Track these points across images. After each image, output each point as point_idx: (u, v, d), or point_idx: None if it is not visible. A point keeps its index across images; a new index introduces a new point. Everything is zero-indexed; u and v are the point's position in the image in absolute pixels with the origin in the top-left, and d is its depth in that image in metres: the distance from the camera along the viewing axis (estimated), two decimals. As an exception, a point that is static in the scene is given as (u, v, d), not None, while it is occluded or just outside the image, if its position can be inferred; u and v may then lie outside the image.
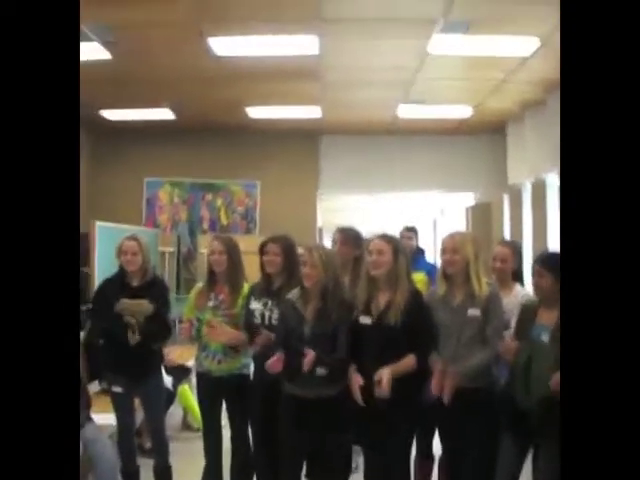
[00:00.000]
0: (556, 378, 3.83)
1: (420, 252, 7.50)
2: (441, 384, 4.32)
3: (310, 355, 4.33)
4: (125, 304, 5.20)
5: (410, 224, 8.29)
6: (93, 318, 5.74)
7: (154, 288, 5.40)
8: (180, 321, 5.81)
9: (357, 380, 4.36)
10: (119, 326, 5.18)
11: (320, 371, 4.38)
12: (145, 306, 5.22)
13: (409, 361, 4.37)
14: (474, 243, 4.53)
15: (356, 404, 4.42)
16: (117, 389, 5.33)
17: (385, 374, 4.22)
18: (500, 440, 4.40)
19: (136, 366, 5.25)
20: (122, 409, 5.39)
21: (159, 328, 5.30)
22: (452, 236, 4.60)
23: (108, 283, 5.49)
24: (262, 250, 5.15)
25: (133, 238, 5.39)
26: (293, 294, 4.69)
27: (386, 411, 4.31)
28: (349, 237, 5.37)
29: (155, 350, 5.43)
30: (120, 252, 5.34)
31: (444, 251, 4.55)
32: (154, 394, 5.51)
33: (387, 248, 4.47)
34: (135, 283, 5.34)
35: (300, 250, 4.83)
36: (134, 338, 5.13)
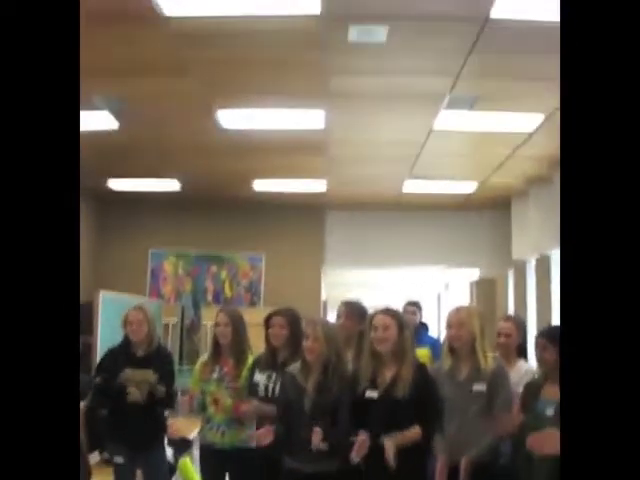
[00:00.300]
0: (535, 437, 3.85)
1: (423, 327, 7.51)
2: (444, 476, 4.29)
3: (317, 433, 4.29)
4: (129, 374, 5.19)
5: (413, 299, 8.30)
6: (96, 387, 5.70)
7: (159, 358, 5.40)
8: (183, 393, 5.76)
9: (362, 440, 4.25)
10: (122, 396, 5.16)
11: (321, 446, 4.33)
12: (150, 376, 5.21)
13: (415, 433, 4.32)
14: (480, 317, 4.53)
15: (356, 477, 4.37)
16: (119, 460, 5.29)
17: (389, 444, 4.18)
18: None
19: (139, 436, 5.22)
20: (124, 479, 5.35)
21: (164, 402, 5.29)
22: (458, 310, 4.60)
23: (112, 353, 5.49)
24: (267, 322, 5.14)
25: (139, 308, 5.42)
26: (294, 367, 4.67)
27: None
28: (354, 311, 5.36)
29: (158, 421, 5.39)
30: (126, 322, 5.35)
31: (450, 325, 4.54)
32: (157, 465, 5.47)
33: (392, 323, 4.45)
34: (140, 353, 5.34)
35: (303, 323, 4.83)
36: (136, 397, 5.12)
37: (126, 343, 5.39)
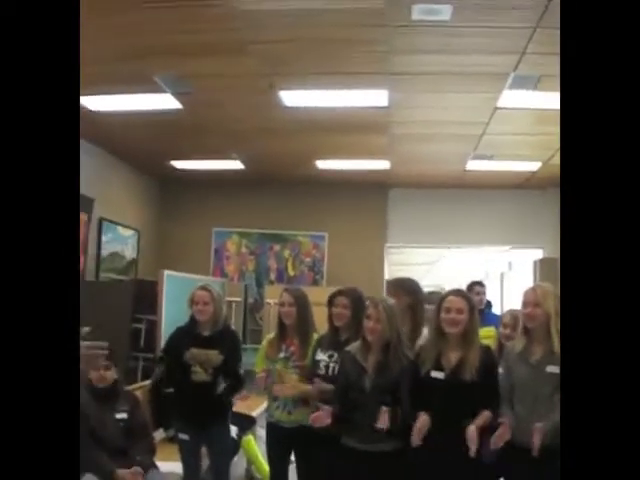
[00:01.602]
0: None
1: (488, 305, 7.44)
2: (504, 438, 4.23)
3: (385, 412, 4.29)
4: (194, 353, 5.24)
5: (478, 279, 8.26)
6: (163, 365, 5.78)
7: (225, 338, 5.43)
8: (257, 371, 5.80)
9: (423, 420, 4.26)
10: (188, 375, 5.22)
11: (380, 426, 4.33)
12: (214, 356, 5.26)
13: (487, 416, 4.29)
14: (556, 297, 4.39)
15: (416, 459, 4.37)
16: (184, 437, 5.35)
17: (474, 431, 4.15)
18: None
19: (204, 414, 5.27)
20: (188, 456, 5.41)
21: (230, 381, 5.34)
22: (534, 289, 4.50)
23: (180, 332, 5.54)
24: (331, 302, 5.14)
25: (205, 288, 5.44)
26: (353, 347, 4.67)
27: (452, 466, 4.25)
28: (398, 287, 5.26)
29: (222, 399, 5.44)
30: (192, 302, 5.38)
31: (525, 304, 4.45)
32: (221, 442, 5.52)
33: (464, 306, 4.43)
34: (206, 333, 5.38)
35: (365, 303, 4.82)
36: (201, 376, 5.19)
37: (192, 323, 5.43)
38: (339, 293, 5.15)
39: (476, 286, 7.86)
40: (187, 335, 5.43)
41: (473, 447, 4.13)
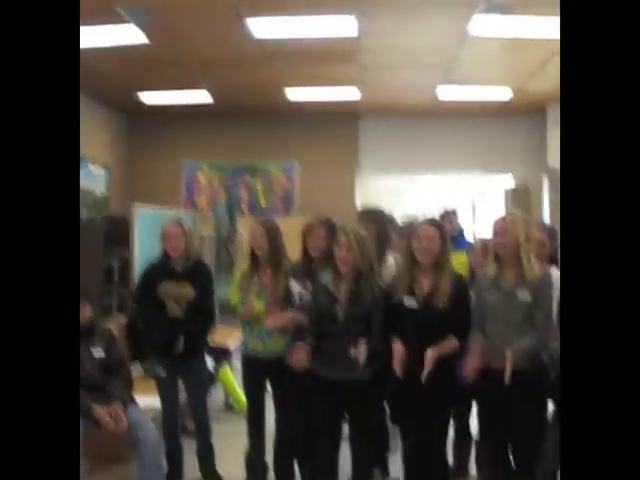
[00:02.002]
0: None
1: (461, 233, 7.47)
2: (475, 365, 4.29)
3: (362, 347, 4.33)
4: (168, 288, 5.23)
5: (450, 206, 8.27)
6: (137, 302, 5.77)
7: (197, 272, 5.42)
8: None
9: (399, 350, 4.35)
10: (161, 313, 5.22)
11: (357, 357, 4.37)
12: (188, 290, 5.25)
13: (452, 342, 4.38)
14: (525, 224, 4.44)
15: (392, 385, 4.44)
16: (160, 371, 5.37)
17: (431, 356, 4.25)
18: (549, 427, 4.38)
19: (182, 348, 5.29)
20: (165, 391, 5.44)
21: (203, 318, 5.35)
22: (503, 218, 4.53)
23: (152, 268, 5.52)
24: (305, 232, 5.13)
25: (177, 223, 5.40)
26: (325, 277, 4.67)
27: (425, 391, 4.32)
28: (363, 217, 5.32)
29: (196, 333, 5.45)
30: (164, 237, 5.35)
31: (495, 233, 4.48)
32: (197, 376, 5.55)
33: (435, 234, 4.47)
34: (178, 268, 5.36)
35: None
36: (175, 311, 5.19)
37: (164, 258, 5.42)
38: (313, 223, 5.14)
39: (449, 214, 7.89)
40: (159, 271, 5.41)
41: (426, 369, 4.24)
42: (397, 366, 4.31)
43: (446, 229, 4.67)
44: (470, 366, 4.34)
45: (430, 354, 4.26)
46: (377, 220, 5.16)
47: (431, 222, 4.57)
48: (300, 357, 4.52)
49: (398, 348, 4.35)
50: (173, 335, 5.27)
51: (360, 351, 4.32)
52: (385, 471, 5.32)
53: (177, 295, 5.24)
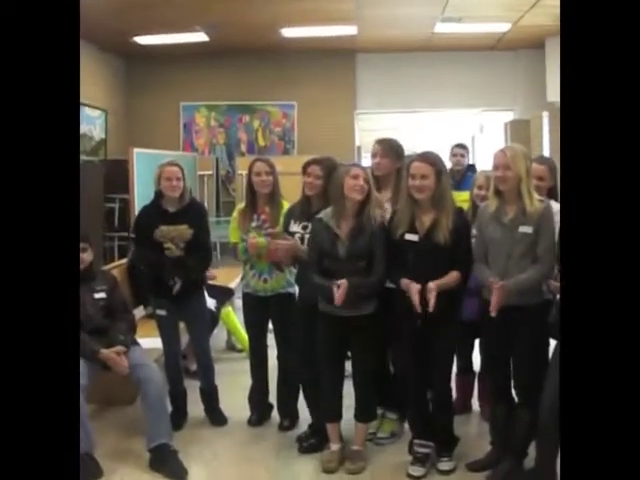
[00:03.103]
0: None
1: (471, 168, 7.41)
2: (501, 301, 4.27)
3: (342, 287, 4.36)
4: (164, 231, 5.22)
5: (459, 141, 8.20)
6: (135, 245, 5.78)
7: (192, 212, 5.39)
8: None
9: (414, 287, 4.33)
10: (160, 253, 5.23)
11: (336, 302, 4.39)
12: (184, 231, 5.24)
13: (454, 277, 4.38)
14: (526, 158, 4.37)
15: (395, 320, 4.49)
16: (161, 312, 5.40)
17: (433, 289, 4.25)
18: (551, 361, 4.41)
19: (182, 287, 5.31)
20: (167, 332, 5.47)
21: (200, 255, 5.35)
22: (504, 151, 4.46)
23: (146, 210, 5.49)
24: (304, 171, 5.09)
25: (175, 164, 5.36)
26: (325, 214, 4.64)
27: (429, 326, 4.37)
28: (390, 148, 5.12)
29: (201, 271, 5.48)
30: (161, 178, 5.31)
31: (496, 167, 4.42)
32: (198, 316, 5.57)
33: (430, 170, 4.39)
34: (172, 209, 5.33)
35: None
36: (175, 252, 5.20)
37: (157, 200, 5.38)
38: (312, 162, 5.08)
39: (455, 148, 7.84)
40: (154, 213, 5.37)
41: (431, 301, 4.25)
42: (415, 302, 4.31)
43: (443, 164, 4.57)
44: (497, 304, 4.31)
45: (432, 286, 4.27)
46: (400, 155, 5.08)
47: (423, 158, 4.46)
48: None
49: (411, 285, 4.34)
50: (172, 274, 5.29)
51: (340, 292, 4.35)
52: (388, 408, 5.36)
53: (174, 236, 5.23)
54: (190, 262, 5.28)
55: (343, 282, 4.37)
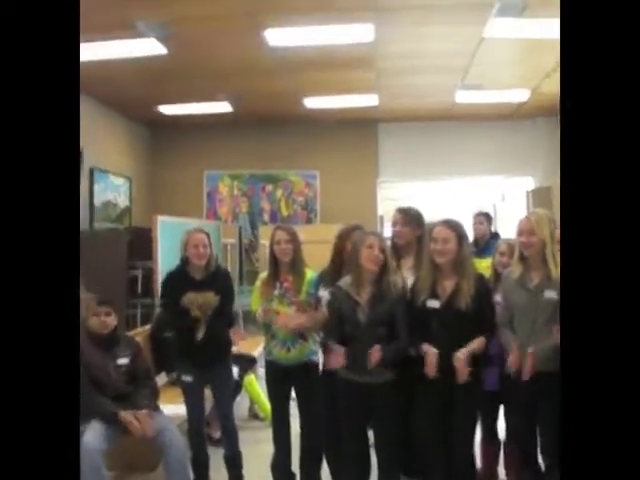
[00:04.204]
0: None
1: (494, 236, 7.44)
2: (519, 360, 4.30)
3: (376, 353, 4.34)
4: (191, 298, 5.24)
5: (482, 209, 8.27)
6: (162, 310, 5.80)
7: (218, 280, 5.43)
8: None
9: (431, 352, 4.33)
10: (187, 319, 5.24)
11: (371, 364, 4.38)
12: (211, 298, 5.26)
13: (480, 343, 4.37)
14: (550, 223, 4.41)
15: (417, 386, 4.46)
16: (187, 378, 5.39)
17: (462, 356, 4.25)
18: None
19: (205, 355, 5.31)
20: (192, 398, 5.45)
21: (225, 321, 5.38)
22: (528, 217, 4.50)
23: (173, 277, 5.52)
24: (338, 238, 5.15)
25: (202, 231, 5.42)
26: (344, 281, 4.66)
27: (451, 393, 4.34)
28: (410, 217, 5.20)
29: (222, 340, 5.48)
30: (188, 245, 5.35)
31: (520, 233, 4.46)
32: (223, 382, 5.56)
33: (451, 235, 4.44)
34: (199, 276, 5.37)
35: None
36: (200, 333, 5.20)
37: (184, 266, 5.42)
38: (347, 229, 5.15)
39: (478, 216, 7.90)
40: (181, 280, 5.41)
41: (462, 373, 4.24)
42: (429, 368, 4.31)
43: (464, 230, 4.62)
44: (530, 371, 4.29)
45: (460, 356, 4.26)
46: (421, 223, 5.12)
47: (446, 223, 4.53)
48: (337, 360, 4.51)
49: (429, 350, 4.34)
50: (199, 342, 5.30)
51: (374, 356, 4.34)
52: (412, 477, 5.29)
53: (202, 303, 5.25)
54: (218, 330, 5.31)
55: (377, 347, 4.34)
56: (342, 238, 5.13)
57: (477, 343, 4.36)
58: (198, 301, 5.24)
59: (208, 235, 5.42)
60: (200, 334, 5.20)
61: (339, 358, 4.47)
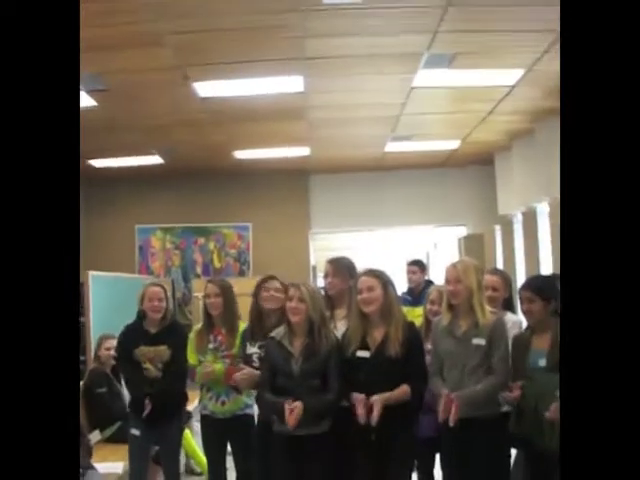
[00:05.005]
0: (554, 407, 3.88)
1: (428, 284, 7.49)
2: (448, 409, 4.27)
3: (296, 409, 4.31)
4: (143, 351, 5.23)
5: (415, 258, 8.34)
6: (117, 361, 5.76)
7: (173, 333, 5.45)
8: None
9: (358, 398, 4.29)
10: (138, 372, 5.21)
11: (289, 425, 4.35)
12: (163, 352, 5.26)
13: (402, 391, 4.36)
14: (477, 271, 4.50)
15: (353, 437, 4.40)
16: (135, 432, 5.33)
17: (377, 401, 4.22)
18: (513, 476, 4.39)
19: (157, 410, 5.25)
20: (138, 452, 5.40)
21: (177, 375, 5.33)
22: (455, 266, 4.56)
23: (128, 330, 5.53)
24: (258, 289, 5.14)
25: (158, 284, 5.47)
26: (278, 332, 4.66)
27: (383, 442, 4.31)
28: (341, 267, 5.17)
29: (174, 395, 5.44)
30: (144, 298, 5.36)
31: (448, 281, 4.52)
32: (173, 438, 5.52)
33: (376, 283, 4.48)
34: (154, 330, 5.38)
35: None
36: (152, 373, 5.17)
37: (140, 320, 5.43)
38: (264, 280, 5.16)
39: (411, 265, 7.96)
40: (135, 333, 5.43)
41: (374, 414, 4.21)
42: (359, 414, 4.27)
43: (388, 278, 4.61)
44: (454, 417, 4.28)
45: (376, 398, 4.24)
46: (353, 273, 5.11)
47: (368, 272, 4.58)
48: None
49: (358, 397, 4.31)
50: (147, 394, 5.26)
51: (294, 414, 4.30)
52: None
53: (153, 357, 5.24)
54: (169, 386, 5.26)
55: (297, 404, 4.33)
56: (255, 293, 5.15)
57: (400, 391, 4.36)
58: (149, 354, 5.22)
59: (164, 289, 5.43)
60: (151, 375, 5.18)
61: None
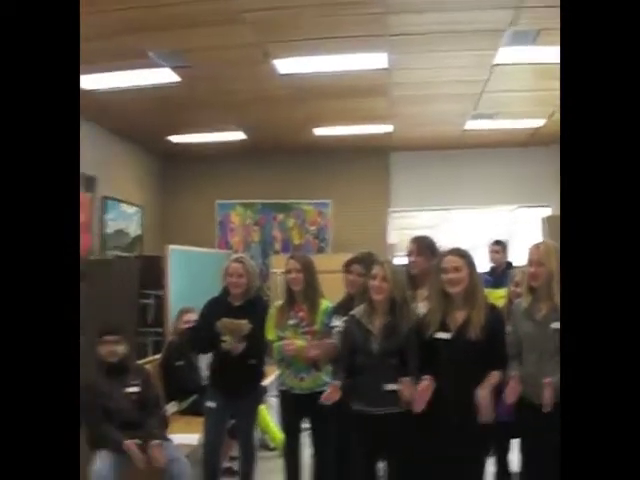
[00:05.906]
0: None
1: (509, 266, 7.39)
2: (517, 392, 4.21)
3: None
4: (224, 322, 5.26)
5: (498, 238, 8.23)
6: (195, 332, 5.79)
7: (255, 308, 5.47)
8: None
9: (425, 387, 4.25)
10: (218, 344, 5.26)
11: (390, 387, 4.33)
12: (245, 325, 5.27)
13: (496, 377, 4.30)
14: (558, 254, 4.37)
15: (427, 420, 4.36)
16: (212, 404, 5.40)
17: (484, 395, 4.18)
18: None
19: (235, 383, 5.31)
20: (214, 424, 5.46)
21: (257, 349, 5.37)
22: (537, 247, 4.46)
23: (212, 302, 5.59)
24: (346, 269, 5.14)
25: (239, 260, 5.51)
26: (358, 310, 4.65)
27: (465, 424, 4.25)
28: (424, 246, 5.17)
29: (252, 369, 5.48)
30: (226, 274, 5.41)
31: (530, 263, 4.42)
32: (249, 411, 5.57)
33: (462, 264, 4.40)
34: (237, 303, 5.41)
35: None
36: (230, 345, 5.21)
37: (225, 293, 5.49)
38: (353, 260, 5.15)
39: (493, 245, 7.86)
40: (219, 305, 5.48)
41: (485, 413, 4.15)
42: (419, 401, 4.22)
43: (474, 260, 4.55)
44: (512, 396, 4.23)
45: (483, 394, 4.18)
46: (437, 253, 5.06)
47: (455, 252, 4.48)
48: (331, 395, 4.44)
49: (425, 384, 4.26)
50: (229, 369, 5.31)
51: (405, 387, 4.27)
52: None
53: (233, 329, 5.27)
54: (248, 328, 5.30)
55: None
56: (346, 269, 5.14)
57: (494, 378, 4.29)
58: (230, 327, 5.25)
59: (245, 264, 5.46)
60: (228, 347, 5.22)
61: (334, 394, 4.41)
